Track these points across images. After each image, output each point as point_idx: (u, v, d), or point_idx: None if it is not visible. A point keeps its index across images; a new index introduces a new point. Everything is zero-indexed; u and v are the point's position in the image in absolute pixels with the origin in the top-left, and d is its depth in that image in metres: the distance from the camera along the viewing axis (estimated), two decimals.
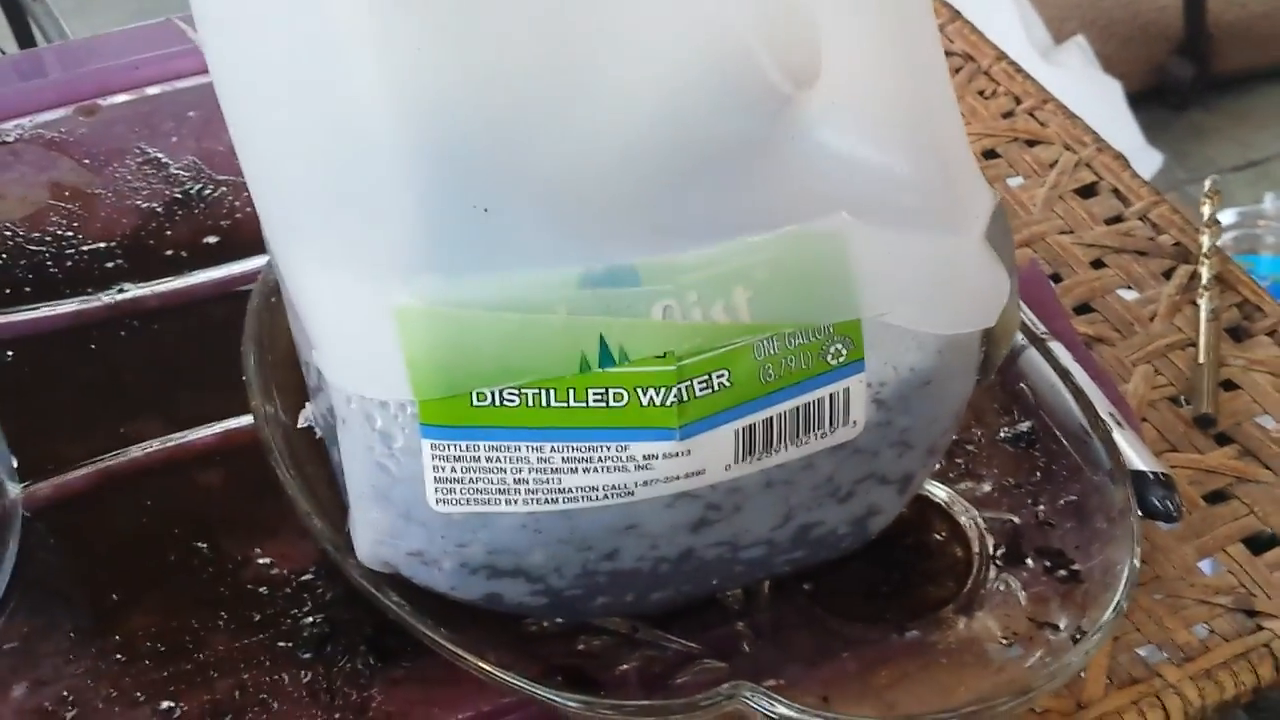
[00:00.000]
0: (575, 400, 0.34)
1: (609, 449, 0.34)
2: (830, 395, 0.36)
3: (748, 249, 0.34)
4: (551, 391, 0.34)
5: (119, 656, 0.43)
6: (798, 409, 0.36)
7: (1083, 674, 0.41)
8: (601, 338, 0.33)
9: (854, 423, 0.36)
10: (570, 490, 0.35)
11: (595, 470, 0.34)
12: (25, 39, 1.31)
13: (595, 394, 0.34)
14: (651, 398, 0.34)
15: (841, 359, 0.35)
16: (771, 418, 0.35)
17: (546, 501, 0.35)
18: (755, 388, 0.35)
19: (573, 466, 0.34)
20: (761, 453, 0.36)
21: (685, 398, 0.34)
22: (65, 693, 0.42)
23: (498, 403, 0.34)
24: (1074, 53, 1.50)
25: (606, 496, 0.35)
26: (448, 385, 0.34)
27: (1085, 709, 0.40)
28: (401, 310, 0.33)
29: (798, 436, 0.36)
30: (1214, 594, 0.43)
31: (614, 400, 0.34)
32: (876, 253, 0.34)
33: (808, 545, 0.39)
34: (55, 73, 0.68)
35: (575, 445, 0.34)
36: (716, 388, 0.34)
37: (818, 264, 0.34)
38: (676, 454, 0.34)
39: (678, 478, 0.35)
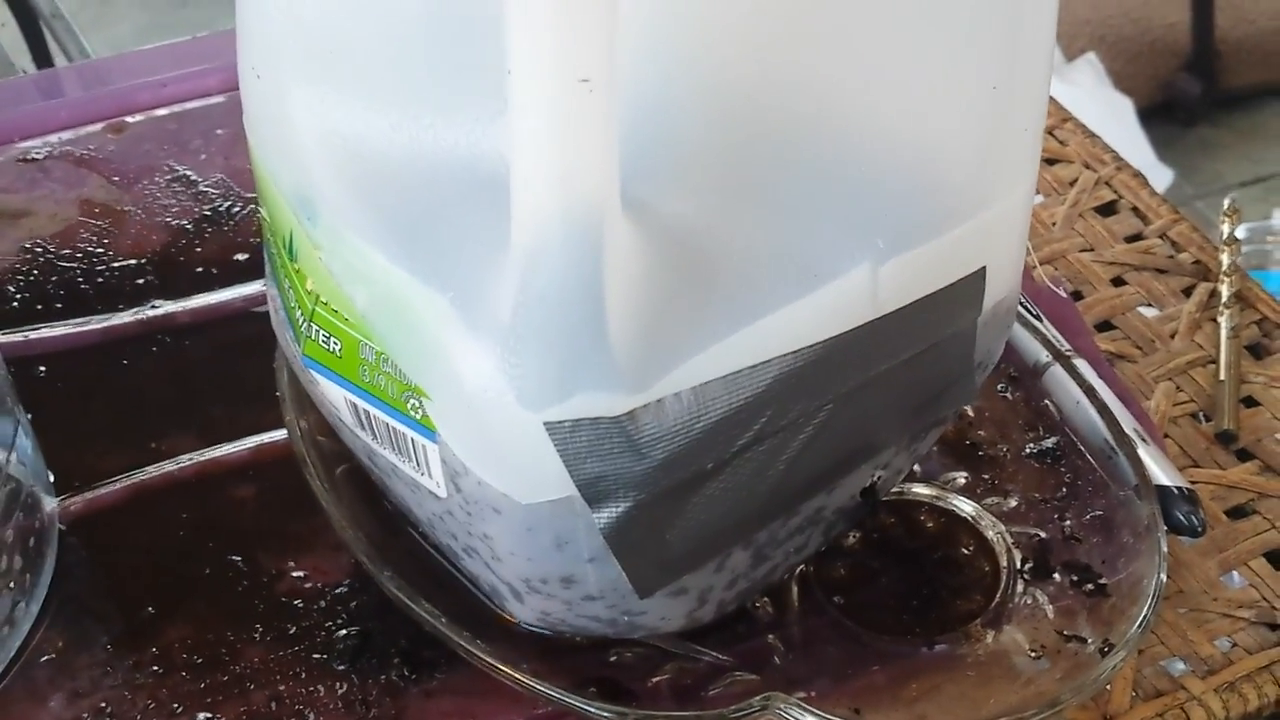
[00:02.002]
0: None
1: None
2: (413, 440, 0.36)
3: None
4: None
5: (155, 668, 0.44)
6: (389, 427, 0.36)
7: (1108, 687, 0.41)
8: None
9: (436, 484, 0.36)
10: None
11: None
12: (41, 56, 1.32)
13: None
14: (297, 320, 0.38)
15: (418, 415, 0.35)
16: (371, 413, 0.37)
17: None
18: (356, 377, 0.36)
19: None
20: (372, 438, 0.37)
21: (308, 334, 0.37)
22: (103, 704, 0.43)
23: None
24: (1086, 70, 1.51)
25: None
26: None
27: None
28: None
29: (397, 451, 0.37)
30: (1237, 608, 0.43)
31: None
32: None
33: None
34: (77, 91, 0.69)
35: None
36: (331, 348, 0.37)
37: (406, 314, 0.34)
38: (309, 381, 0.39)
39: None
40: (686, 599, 0.38)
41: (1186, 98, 1.68)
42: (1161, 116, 1.65)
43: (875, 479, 0.40)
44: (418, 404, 0.35)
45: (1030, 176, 0.37)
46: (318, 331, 0.37)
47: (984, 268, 0.36)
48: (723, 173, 0.33)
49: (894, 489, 0.43)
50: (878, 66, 0.33)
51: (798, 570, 0.43)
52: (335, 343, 0.37)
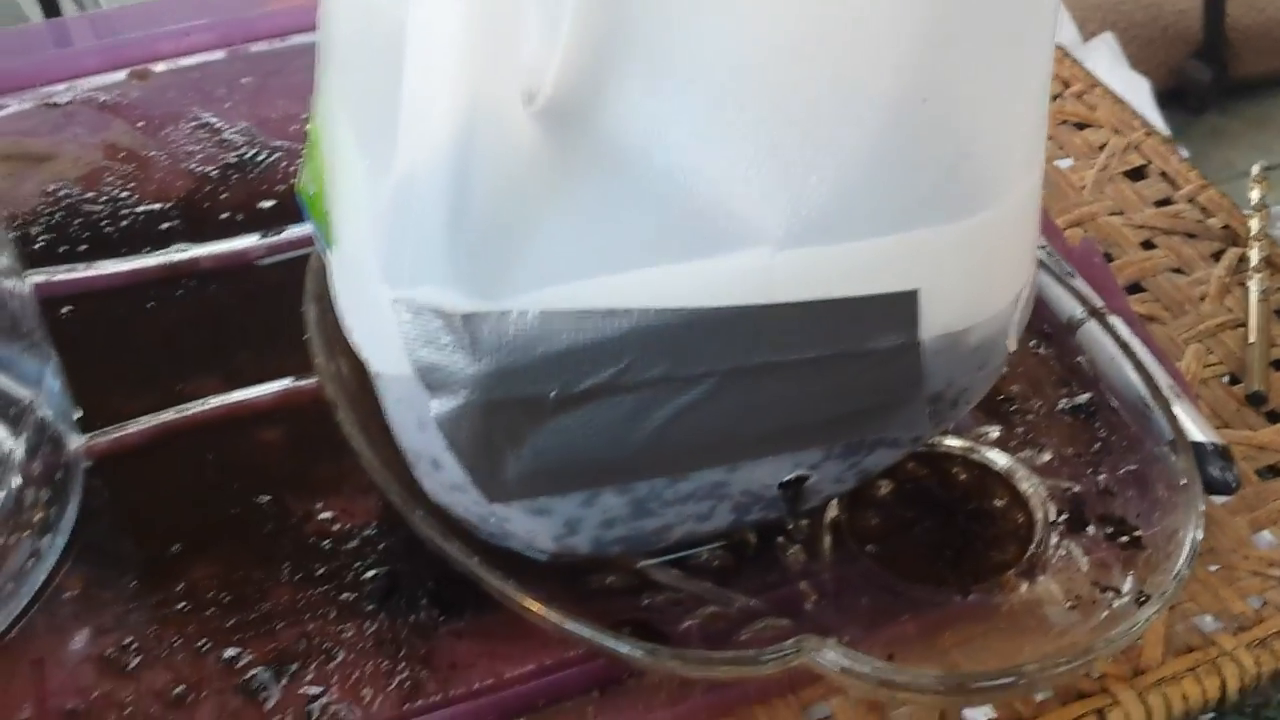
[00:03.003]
0: None
1: None
2: None
3: None
4: None
5: (182, 605, 0.43)
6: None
7: (1140, 641, 0.41)
8: None
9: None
10: None
11: None
12: (51, 7, 1.32)
13: None
14: None
15: (329, 262, 0.39)
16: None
17: None
18: (318, 215, 0.39)
19: None
20: None
21: (302, 170, 0.40)
22: (128, 639, 0.43)
23: None
24: (1103, 50, 1.51)
25: None
26: None
27: (1143, 675, 0.41)
28: None
29: None
30: (1268, 566, 0.43)
31: None
32: None
33: None
34: (96, 39, 0.69)
35: None
36: (309, 190, 0.39)
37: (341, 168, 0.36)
38: None
39: None
40: (550, 521, 0.38)
41: (1197, 85, 1.68)
42: (1172, 103, 1.65)
43: (797, 476, 0.39)
44: (329, 250, 0.37)
45: (983, 209, 0.35)
46: (307, 173, 0.39)
47: (915, 290, 0.35)
48: (674, 112, 0.32)
49: (880, 472, 0.41)
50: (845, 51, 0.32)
51: (830, 518, 0.43)
52: (313, 185, 0.38)
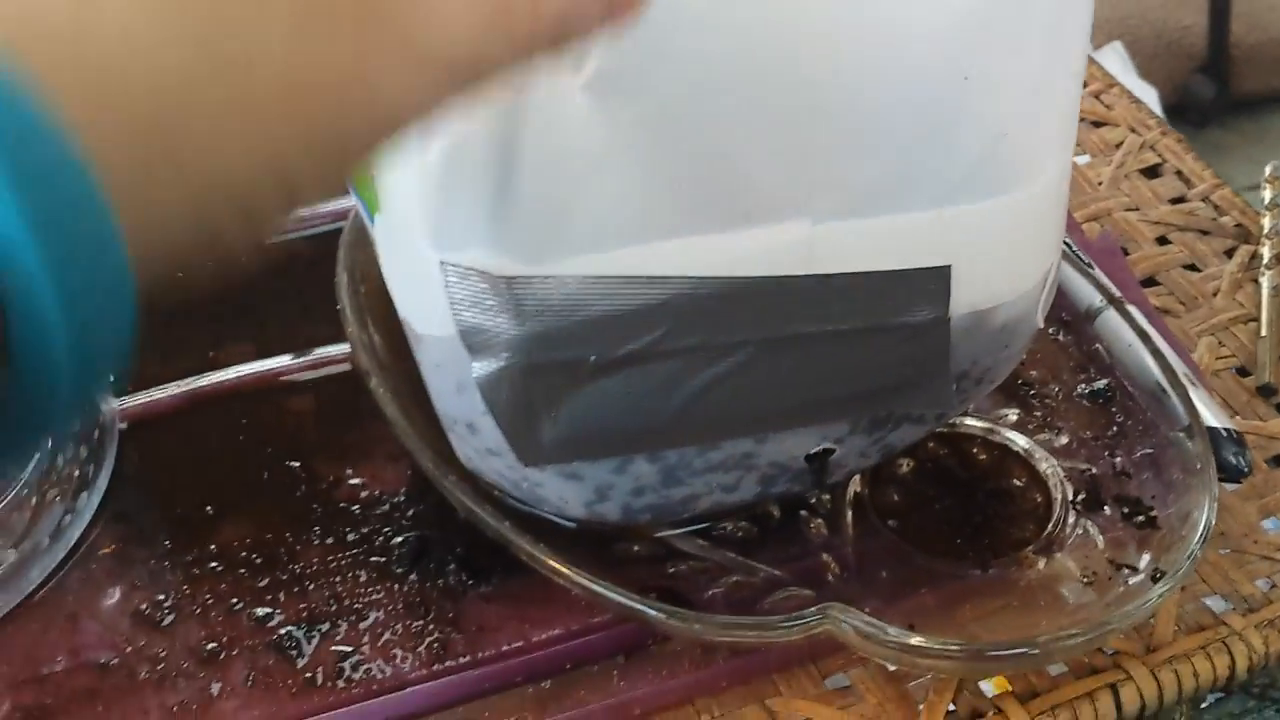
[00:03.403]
0: None
1: None
2: None
3: None
4: None
5: (214, 565, 0.44)
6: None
7: (1153, 620, 0.42)
8: None
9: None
10: None
11: None
12: None
13: None
14: None
15: (372, 229, 0.39)
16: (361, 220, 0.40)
17: None
18: (362, 189, 0.39)
19: None
20: None
21: None
22: (160, 596, 0.44)
23: None
24: (1112, 58, 1.52)
25: None
26: None
27: (1155, 652, 0.42)
28: None
29: None
30: (1276, 551, 0.44)
31: None
32: None
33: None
34: None
35: None
36: None
37: None
38: None
39: None
40: (582, 487, 0.39)
41: (1199, 100, 1.69)
42: (1174, 117, 1.66)
43: (823, 449, 0.40)
44: (374, 219, 0.38)
45: (1016, 188, 0.36)
46: None
47: (948, 266, 0.36)
48: (721, 84, 0.33)
49: (894, 454, 0.42)
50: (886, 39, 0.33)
51: (852, 494, 0.44)
52: None
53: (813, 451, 0.40)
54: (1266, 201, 0.56)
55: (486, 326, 0.35)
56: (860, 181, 0.34)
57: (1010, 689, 0.41)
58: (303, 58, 0.20)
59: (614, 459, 0.39)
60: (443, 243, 0.35)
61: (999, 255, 0.36)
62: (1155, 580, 0.39)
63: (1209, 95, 1.70)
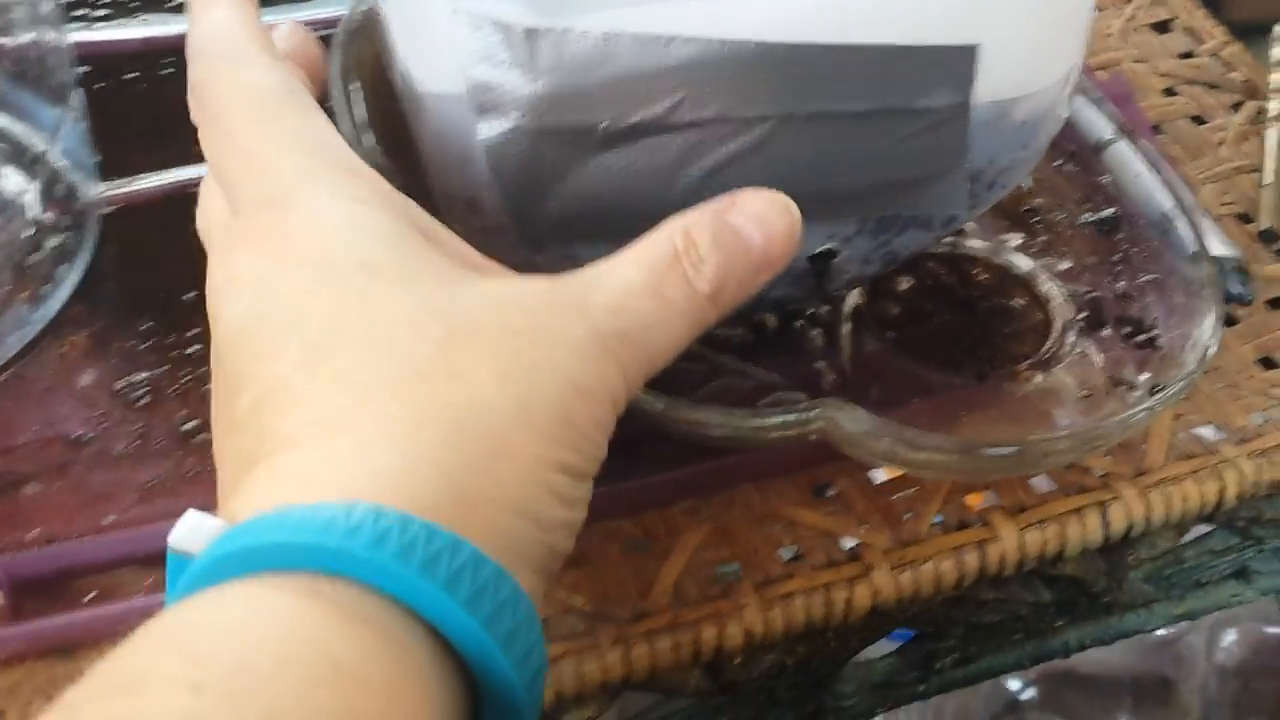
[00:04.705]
0: None
1: None
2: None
3: None
4: None
5: (194, 350, 0.43)
6: None
7: (1144, 445, 0.42)
8: None
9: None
10: None
11: None
12: None
13: None
14: None
15: None
16: None
17: None
18: None
19: None
20: None
21: None
22: (139, 376, 0.43)
23: None
24: None
25: None
26: None
27: (1144, 475, 0.41)
28: None
29: None
30: (1270, 387, 0.44)
31: None
32: None
33: None
34: None
35: None
36: None
37: None
38: None
39: None
40: None
41: None
42: None
43: (827, 250, 0.39)
44: None
45: None
46: None
47: (974, 46, 0.34)
48: None
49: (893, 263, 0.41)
50: None
51: (850, 306, 0.43)
52: None
53: (816, 252, 0.39)
54: (1276, 58, 0.55)
55: (498, 83, 0.34)
56: None
57: (999, 504, 0.41)
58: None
59: (615, 243, 0.38)
60: None
61: (1027, 40, 0.35)
62: (1152, 394, 0.38)
63: None
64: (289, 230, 0.30)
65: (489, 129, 0.35)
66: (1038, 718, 0.83)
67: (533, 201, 0.36)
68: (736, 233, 0.32)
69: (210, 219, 0.34)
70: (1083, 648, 0.45)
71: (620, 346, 0.30)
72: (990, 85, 0.35)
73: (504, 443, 0.28)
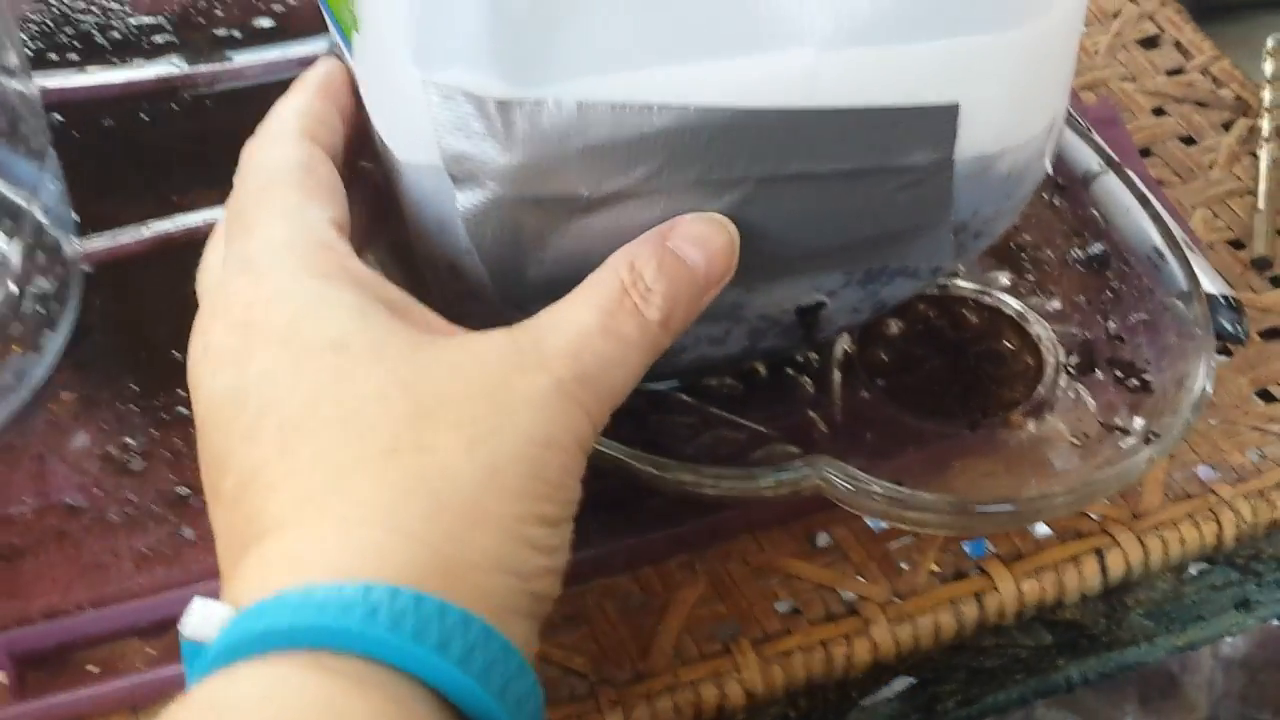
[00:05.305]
0: None
1: None
2: None
3: None
4: None
5: (183, 410, 0.43)
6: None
7: (1140, 488, 0.42)
8: None
9: None
10: None
11: None
12: None
13: None
14: None
15: (351, 50, 0.37)
16: (338, 45, 0.38)
17: None
18: (337, 10, 0.37)
19: None
20: None
21: None
22: (129, 440, 0.42)
23: None
24: None
25: None
26: None
27: (1141, 519, 0.41)
28: None
29: None
30: (1267, 422, 0.44)
31: None
32: None
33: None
34: None
35: None
36: None
37: None
38: None
39: None
40: None
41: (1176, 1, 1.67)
42: None
43: (815, 302, 0.39)
44: (351, 39, 0.36)
45: (1029, 20, 0.34)
46: None
47: (955, 105, 0.34)
48: None
49: (903, 297, 0.40)
50: None
51: (840, 353, 0.43)
52: None
53: (804, 304, 0.39)
54: (1268, 74, 0.54)
55: (473, 154, 0.33)
56: (865, 7, 0.32)
57: (995, 552, 0.40)
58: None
59: None
60: (427, 61, 0.33)
61: (1008, 96, 0.35)
62: (1148, 443, 0.38)
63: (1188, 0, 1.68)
64: (260, 302, 0.32)
65: (466, 199, 0.34)
66: (1045, 714, 0.83)
67: (513, 267, 0.36)
68: (679, 257, 0.33)
69: (206, 278, 0.36)
70: (1085, 682, 0.45)
71: (582, 391, 0.31)
72: (973, 140, 0.35)
73: (479, 508, 0.29)
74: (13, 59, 0.42)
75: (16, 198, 0.44)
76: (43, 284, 0.43)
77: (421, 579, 0.28)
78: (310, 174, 0.34)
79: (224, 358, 0.32)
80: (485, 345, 0.32)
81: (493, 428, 0.30)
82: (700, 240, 0.34)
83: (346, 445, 0.30)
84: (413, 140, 0.34)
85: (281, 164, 0.35)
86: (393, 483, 0.29)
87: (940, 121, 0.34)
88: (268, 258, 0.33)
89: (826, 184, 0.35)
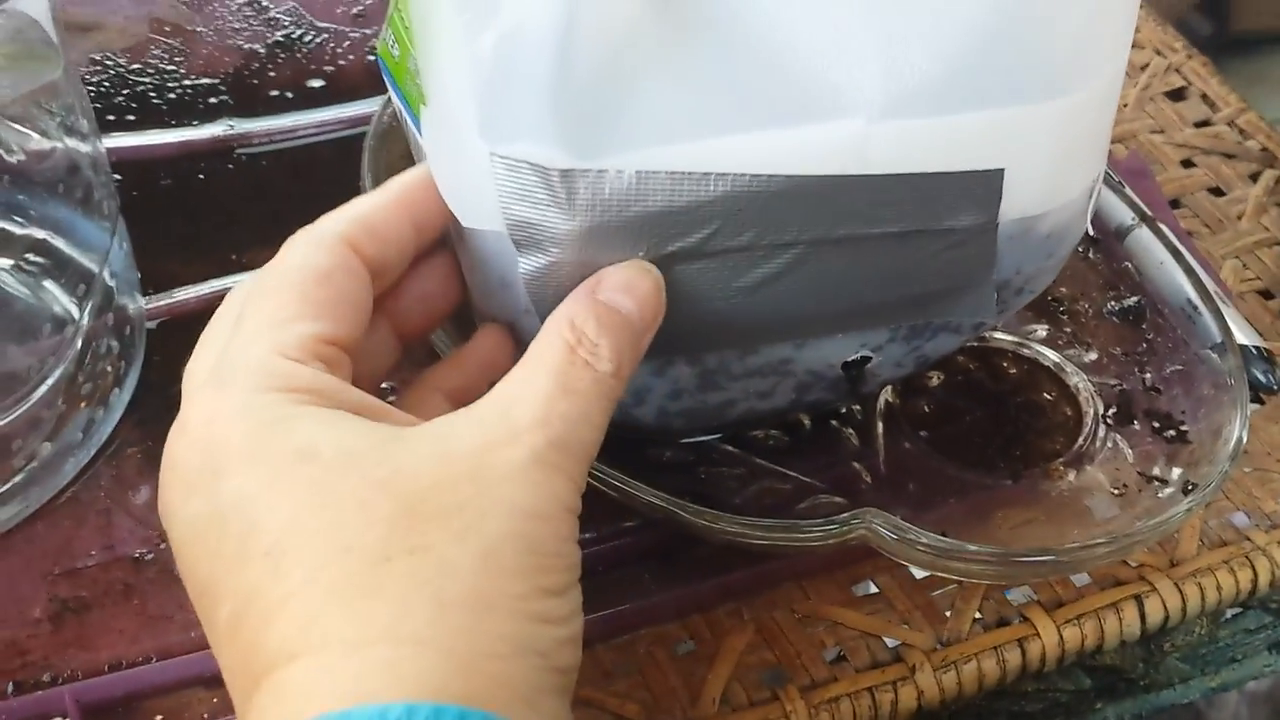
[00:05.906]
0: None
1: None
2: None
3: None
4: None
5: None
6: (414, 137, 0.39)
7: (1177, 535, 0.43)
8: None
9: None
10: None
11: None
12: None
13: None
14: None
15: (419, 124, 0.38)
16: (405, 121, 0.40)
17: None
18: (402, 83, 0.39)
19: None
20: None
21: (383, 36, 0.40)
22: None
23: None
24: None
25: None
26: None
27: (1178, 566, 0.42)
28: None
29: None
30: None
31: None
32: None
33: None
34: None
35: None
36: (394, 52, 0.39)
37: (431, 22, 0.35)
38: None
39: None
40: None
41: (1196, 38, 1.69)
42: None
43: (861, 357, 0.40)
44: (419, 114, 0.37)
45: (1074, 90, 0.35)
46: (390, 35, 0.39)
47: (1001, 170, 0.35)
48: None
49: (938, 357, 0.42)
50: None
51: (883, 405, 0.44)
52: (396, 47, 0.38)
53: (850, 359, 0.40)
54: None
55: (536, 221, 0.35)
56: (916, 80, 0.34)
57: (1036, 599, 0.41)
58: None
59: (653, 361, 0.39)
60: (493, 134, 0.34)
61: (1051, 161, 0.36)
62: (1187, 493, 0.39)
63: (1206, 33, 1.69)
64: (221, 418, 0.32)
65: (529, 263, 0.36)
66: None
67: None
68: (613, 309, 0.34)
69: (188, 383, 0.35)
70: None
71: (559, 455, 0.31)
72: (1017, 203, 0.36)
73: (483, 596, 0.29)
74: (84, 124, 0.44)
75: (89, 262, 0.45)
76: (110, 343, 0.45)
77: (440, 685, 0.28)
78: (323, 284, 0.34)
79: (190, 480, 0.31)
80: (453, 429, 0.31)
81: (480, 510, 0.30)
82: (628, 287, 0.34)
83: (337, 562, 0.29)
84: (478, 207, 0.36)
85: (298, 268, 0.35)
86: (392, 595, 0.29)
87: (986, 186, 0.35)
88: (230, 370, 0.32)
89: (875, 245, 0.36)
